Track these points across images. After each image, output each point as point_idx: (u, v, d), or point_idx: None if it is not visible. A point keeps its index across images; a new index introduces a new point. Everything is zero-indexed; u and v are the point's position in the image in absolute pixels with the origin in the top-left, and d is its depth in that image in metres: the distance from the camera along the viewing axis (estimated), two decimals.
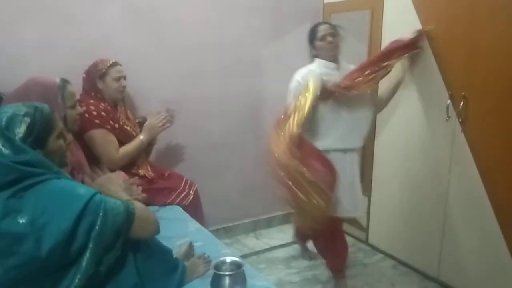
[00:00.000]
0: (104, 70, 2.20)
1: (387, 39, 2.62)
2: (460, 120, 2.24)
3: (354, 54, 2.84)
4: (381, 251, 2.88)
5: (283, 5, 3.04)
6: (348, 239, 3.06)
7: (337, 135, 2.27)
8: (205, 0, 2.75)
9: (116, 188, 1.38)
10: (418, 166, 2.53)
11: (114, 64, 2.24)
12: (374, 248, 2.94)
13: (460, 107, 2.22)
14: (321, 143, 2.24)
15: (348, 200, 2.28)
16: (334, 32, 2.30)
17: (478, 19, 2.12)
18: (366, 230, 2.99)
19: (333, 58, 2.30)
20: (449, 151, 2.33)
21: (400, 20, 2.54)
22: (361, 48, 2.81)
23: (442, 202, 2.40)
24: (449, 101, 2.28)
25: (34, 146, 1.16)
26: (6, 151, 1.10)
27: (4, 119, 1.14)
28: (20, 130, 1.14)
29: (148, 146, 2.41)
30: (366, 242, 3.00)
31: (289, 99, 2.24)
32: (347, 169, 2.29)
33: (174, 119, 2.45)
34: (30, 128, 1.16)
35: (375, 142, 2.81)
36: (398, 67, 2.40)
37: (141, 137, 2.28)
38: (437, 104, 2.35)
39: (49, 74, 1.80)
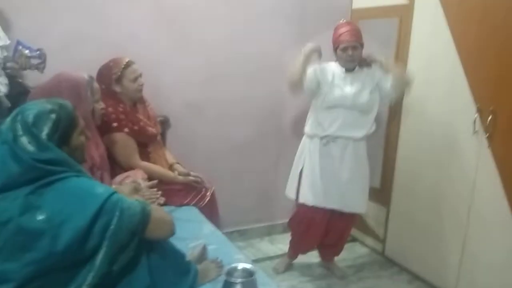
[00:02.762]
0: (119, 73, 2.14)
1: (415, 48, 2.58)
2: (487, 135, 2.17)
3: None
4: (397, 264, 2.82)
5: (309, 10, 3.01)
6: (364, 250, 3.05)
7: (335, 122, 2.36)
8: (232, 3, 2.75)
9: (126, 189, 1.40)
10: (441, 179, 2.46)
11: (129, 64, 2.17)
12: (390, 260, 2.88)
13: (488, 122, 2.15)
14: (324, 128, 2.38)
15: (333, 192, 2.39)
16: (357, 45, 2.32)
17: (510, 32, 2.05)
18: (382, 241, 2.94)
19: (351, 67, 2.38)
20: (474, 166, 2.26)
21: (429, 29, 2.49)
22: (388, 56, 2.75)
23: (464, 217, 2.33)
24: (476, 114, 2.21)
25: (59, 142, 1.18)
26: (31, 148, 1.12)
27: (31, 116, 1.15)
28: (47, 127, 1.16)
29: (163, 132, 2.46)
30: (382, 254, 2.95)
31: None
32: (337, 160, 2.39)
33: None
34: (55, 125, 1.18)
35: (397, 152, 2.75)
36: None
37: (180, 177, 2.31)
38: (464, 117, 2.28)
39: (75, 70, 1.85)
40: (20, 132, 1.13)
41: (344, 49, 2.31)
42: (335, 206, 2.42)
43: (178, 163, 2.44)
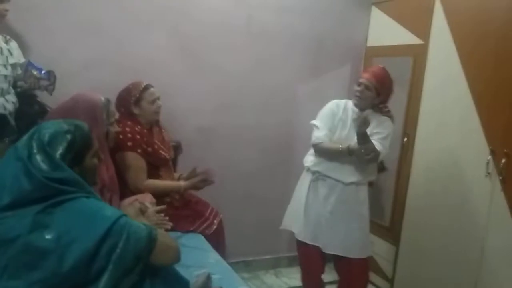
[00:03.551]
0: (138, 95, 2.20)
1: (428, 88, 2.60)
2: (500, 177, 2.14)
3: (394, 100, 2.82)
4: None
5: (325, 45, 3.07)
6: None
7: (329, 163, 2.33)
8: (249, 33, 2.82)
9: (132, 212, 1.40)
10: (453, 220, 2.42)
11: (147, 87, 2.24)
12: None
13: (501, 164, 2.13)
14: (313, 164, 2.38)
15: (313, 228, 2.36)
16: (370, 86, 2.25)
17: None
18: (391, 280, 2.86)
19: (358, 105, 2.32)
20: (487, 209, 2.22)
21: (443, 70, 2.51)
22: (401, 95, 2.77)
23: (476, 260, 2.27)
24: (490, 157, 2.19)
25: (72, 163, 1.20)
26: (44, 167, 1.14)
27: (47, 136, 1.18)
28: (61, 147, 1.18)
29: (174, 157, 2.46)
30: None
31: (316, 120, 2.40)
32: (322, 198, 2.34)
33: (213, 179, 2.42)
34: (70, 146, 1.20)
35: (408, 190, 2.72)
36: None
37: (182, 183, 2.29)
38: (477, 159, 2.27)
39: (93, 92, 1.91)
40: (35, 150, 1.15)
41: (358, 84, 2.30)
42: (318, 244, 2.37)
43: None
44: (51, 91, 2.12)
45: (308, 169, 2.42)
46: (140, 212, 1.46)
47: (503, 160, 2.13)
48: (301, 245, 2.45)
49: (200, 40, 2.70)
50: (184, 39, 2.65)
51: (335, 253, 2.36)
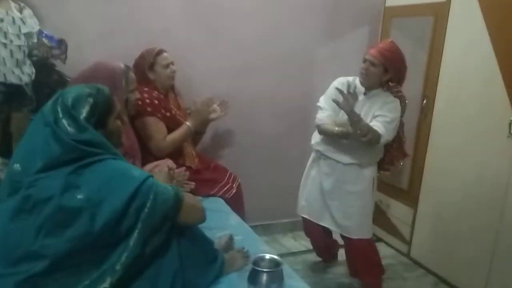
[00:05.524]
0: (152, 60, 2.23)
1: (449, 48, 2.53)
2: None
3: (413, 62, 2.76)
4: (423, 267, 2.78)
5: (342, 6, 2.99)
6: (389, 251, 3.01)
7: (330, 146, 2.30)
8: None
9: (159, 177, 1.43)
10: (473, 181, 2.41)
11: (160, 52, 2.26)
12: (415, 262, 2.83)
13: None
14: (316, 143, 2.38)
15: (315, 206, 2.39)
16: (377, 63, 2.13)
17: None
18: (408, 243, 2.89)
19: (363, 83, 2.21)
20: (509, 169, 2.20)
21: (466, 29, 2.43)
22: (421, 56, 2.71)
23: (496, 221, 2.27)
24: None
25: (96, 126, 1.22)
26: (71, 130, 1.16)
27: (70, 99, 1.20)
28: (84, 110, 1.21)
29: (197, 135, 2.46)
30: (407, 255, 2.90)
31: (321, 100, 2.34)
32: (324, 176, 2.35)
33: (226, 111, 2.46)
34: (93, 109, 1.22)
35: (427, 152, 2.70)
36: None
37: (188, 123, 2.29)
38: (499, 119, 2.22)
39: (112, 59, 1.91)
40: (61, 115, 1.17)
41: (364, 61, 2.18)
42: (321, 222, 2.40)
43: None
44: (64, 60, 2.13)
45: (312, 148, 2.43)
46: (169, 179, 1.49)
47: None
48: (303, 219, 2.52)
49: (215, 6, 2.65)
50: (198, 5, 2.61)
51: (329, 227, 2.39)
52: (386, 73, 2.17)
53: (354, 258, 2.43)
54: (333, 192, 2.33)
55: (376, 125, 2.11)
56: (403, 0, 2.89)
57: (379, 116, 2.14)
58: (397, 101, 2.21)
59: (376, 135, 2.09)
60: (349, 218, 2.30)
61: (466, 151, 2.44)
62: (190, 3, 2.59)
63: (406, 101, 2.28)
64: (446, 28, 2.54)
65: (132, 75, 1.91)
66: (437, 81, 2.61)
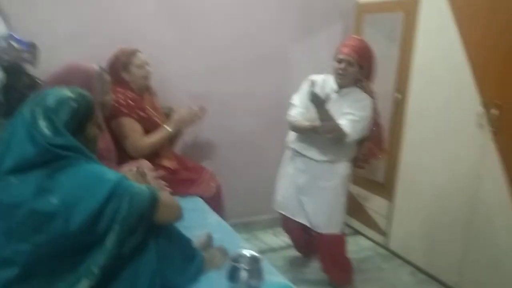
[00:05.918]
0: (126, 60, 2.21)
1: (420, 43, 2.59)
2: (492, 129, 2.18)
3: (385, 57, 2.81)
4: (400, 257, 2.84)
5: (315, 4, 3.02)
6: (367, 243, 3.07)
7: (304, 143, 2.32)
8: None
9: (134, 178, 1.42)
10: (445, 173, 2.48)
11: (135, 52, 2.24)
12: (393, 253, 2.90)
13: (493, 116, 2.16)
14: (291, 141, 2.40)
15: (290, 202, 2.42)
16: (353, 62, 2.14)
17: None
18: (385, 234, 2.96)
19: (340, 83, 2.23)
20: (479, 160, 2.27)
21: (435, 24, 2.49)
22: (393, 51, 2.77)
23: (468, 211, 2.34)
24: (481, 108, 2.22)
25: (74, 131, 1.20)
26: (47, 133, 1.14)
27: (52, 102, 1.18)
28: (65, 114, 1.19)
29: (174, 137, 2.44)
30: (385, 247, 2.97)
31: (294, 97, 2.37)
32: (299, 172, 2.36)
33: (203, 115, 2.46)
34: (74, 113, 1.21)
35: (402, 146, 2.76)
36: None
37: (168, 127, 2.29)
38: (469, 111, 2.29)
39: (85, 61, 1.88)
40: (39, 116, 1.15)
41: (339, 61, 2.17)
42: (296, 218, 2.42)
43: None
44: (34, 64, 2.08)
45: (288, 146, 2.45)
46: (139, 176, 1.48)
47: (495, 112, 2.15)
48: (281, 215, 2.54)
49: (188, 6, 2.64)
50: (171, 5, 2.59)
51: (303, 222, 2.40)
52: (361, 70, 2.19)
53: (322, 253, 2.47)
54: (306, 188, 2.35)
55: (344, 123, 2.12)
56: None
57: (348, 114, 2.15)
58: (368, 99, 2.22)
59: (341, 134, 2.11)
60: (319, 213, 2.33)
61: (438, 143, 2.51)
62: (163, 4, 2.56)
63: (375, 99, 2.28)
64: (416, 23, 2.60)
65: (106, 76, 1.89)
66: (409, 76, 2.67)
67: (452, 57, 2.37)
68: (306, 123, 2.22)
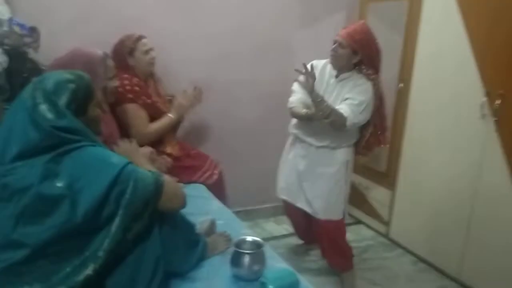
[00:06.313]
0: (132, 46, 2.22)
1: (424, 32, 2.57)
2: (495, 118, 2.17)
3: (389, 46, 2.79)
4: (401, 246, 2.86)
5: None
6: (369, 232, 3.08)
7: (304, 129, 2.32)
8: None
9: (140, 158, 1.42)
10: (447, 163, 2.48)
11: (140, 37, 2.25)
12: (394, 242, 2.92)
13: (496, 106, 2.16)
14: (292, 126, 2.40)
15: (292, 187, 2.42)
16: (345, 45, 2.11)
17: None
18: (387, 224, 2.97)
19: (333, 65, 2.22)
20: (481, 150, 2.27)
21: (439, 12, 2.47)
22: (397, 40, 2.75)
23: (470, 201, 2.35)
24: (485, 98, 2.21)
25: (76, 112, 1.21)
26: (49, 116, 1.14)
27: (50, 85, 1.18)
28: (65, 96, 1.19)
29: (176, 124, 2.45)
30: (386, 236, 2.98)
31: (294, 84, 2.34)
32: (299, 158, 2.37)
33: (202, 98, 2.47)
34: (74, 95, 1.21)
35: (404, 135, 2.76)
36: None
37: (171, 114, 2.30)
38: (472, 101, 2.28)
39: (90, 46, 1.88)
40: (40, 100, 1.15)
41: (334, 42, 2.16)
42: (298, 204, 2.42)
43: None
44: (36, 48, 2.08)
45: (289, 131, 2.45)
46: (151, 160, 1.49)
47: (498, 101, 2.15)
48: (283, 200, 2.55)
49: None
50: None
51: (304, 208, 2.40)
52: (356, 55, 2.15)
53: (321, 239, 2.48)
54: (306, 173, 2.35)
55: (342, 107, 2.10)
56: None
57: (348, 99, 2.13)
58: (368, 84, 2.17)
59: (340, 118, 2.07)
60: (318, 199, 2.33)
61: (441, 132, 2.51)
62: None
63: (380, 85, 2.24)
64: (420, 12, 2.58)
65: (110, 62, 1.89)
66: (413, 65, 2.66)
67: (456, 47, 2.36)
68: (302, 111, 2.22)
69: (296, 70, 2.07)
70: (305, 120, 2.25)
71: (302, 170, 2.37)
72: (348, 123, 2.10)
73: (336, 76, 2.23)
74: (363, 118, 2.17)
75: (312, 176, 2.34)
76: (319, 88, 2.18)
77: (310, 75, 2.04)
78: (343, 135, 2.25)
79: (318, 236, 2.50)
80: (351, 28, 2.16)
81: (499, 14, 2.14)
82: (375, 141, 2.38)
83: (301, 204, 2.42)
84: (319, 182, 2.32)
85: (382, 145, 2.46)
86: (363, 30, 2.15)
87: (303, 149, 2.36)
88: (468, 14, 2.30)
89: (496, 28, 2.16)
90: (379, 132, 2.37)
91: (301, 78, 2.10)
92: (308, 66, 2.07)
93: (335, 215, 2.35)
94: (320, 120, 2.11)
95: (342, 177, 2.32)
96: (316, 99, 2.05)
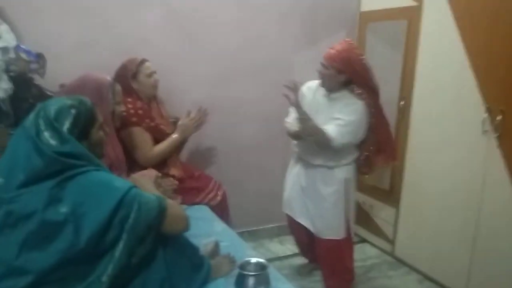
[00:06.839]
0: (135, 69, 2.24)
1: (423, 50, 2.60)
2: (496, 134, 2.18)
3: (389, 64, 2.83)
4: (407, 264, 2.83)
5: (318, 12, 3.05)
6: (374, 251, 3.06)
7: (302, 148, 2.35)
8: (240, 4, 2.80)
9: (147, 183, 1.43)
10: (450, 179, 2.47)
11: (143, 61, 2.28)
12: (399, 260, 2.89)
13: (497, 122, 2.16)
14: (294, 145, 2.42)
15: (295, 204, 2.44)
16: (326, 64, 2.16)
17: None
18: (392, 242, 2.95)
19: (323, 86, 2.25)
20: (484, 165, 2.27)
21: (438, 30, 2.50)
22: (396, 58, 2.78)
23: (474, 217, 2.33)
24: (486, 114, 2.22)
25: (79, 137, 1.23)
26: (53, 142, 1.16)
27: (52, 111, 1.21)
28: (68, 122, 1.21)
29: (180, 145, 2.46)
30: (391, 254, 2.96)
31: None
32: (302, 176, 2.39)
33: (206, 119, 2.49)
34: (76, 120, 1.23)
35: (407, 153, 2.76)
36: None
37: (175, 136, 2.32)
38: (473, 117, 2.29)
39: (99, 72, 1.94)
40: (43, 127, 1.18)
41: (321, 64, 2.20)
42: (301, 221, 2.42)
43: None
44: (42, 74, 2.13)
45: (292, 149, 2.49)
46: (157, 185, 1.50)
47: (499, 117, 2.16)
48: (287, 216, 2.55)
49: (194, 15, 2.68)
50: (177, 15, 2.63)
51: (305, 225, 2.40)
52: (342, 74, 2.15)
53: (321, 259, 2.47)
54: (308, 191, 2.37)
55: (329, 127, 2.12)
56: (378, 5, 2.97)
57: (336, 119, 2.15)
58: (359, 103, 2.18)
59: (324, 137, 2.09)
60: (318, 218, 2.33)
61: (443, 149, 2.51)
62: (169, 13, 2.61)
63: (376, 103, 2.25)
64: (419, 31, 2.62)
65: (118, 87, 1.94)
66: (413, 82, 2.68)
67: (455, 64, 2.38)
68: (292, 128, 2.26)
69: (285, 86, 2.09)
70: (296, 139, 2.30)
71: (304, 186, 2.39)
72: (335, 143, 2.11)
73: (328, 96, 2.25)
74: (352, 137, 2.18)
75: (313, 194, 2.35)
76: (312, 107, 2.21)
77: (294, 91, 2.07)
78: (340, 154, 2.25)
79: (318, 255, 2.49)
80: (334, 48, 2.18)
81: (496, 30, 2.17)
82: (376, 159, 2.38)
83: (302, 221, 2.42)
84: (320, 201, 2.32)
85: (390, 162, 2.46)
86: (344, 49, 2.15)
87: (303, 167, 2.38)
88: (466, 31, 2.33)
89: (493, 45, 2.19)
90: (381, 149, 2.36)
91: (289, 95, 2.11)
92: (293, 83, 2.10)
93: (336, 235, 2.34)
94: (305, 137, 2.15)
95: (342, 196, 2.32)
96: (301, 116, 2.09)
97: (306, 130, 2.11)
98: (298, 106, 2.07)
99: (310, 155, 2.31)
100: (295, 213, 2.45)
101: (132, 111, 2.18)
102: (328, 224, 2.32)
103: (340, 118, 2.14)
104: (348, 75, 2.17)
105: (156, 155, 2.24)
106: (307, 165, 2.35)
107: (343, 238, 2.36)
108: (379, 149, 2.37)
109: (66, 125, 1.20)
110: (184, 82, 2.70)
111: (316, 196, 2.33)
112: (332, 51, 2.16)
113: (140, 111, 2.21)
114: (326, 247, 2.36)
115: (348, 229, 2.38)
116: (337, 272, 2.42)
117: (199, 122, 2.42)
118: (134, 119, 2.18)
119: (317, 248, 2.46)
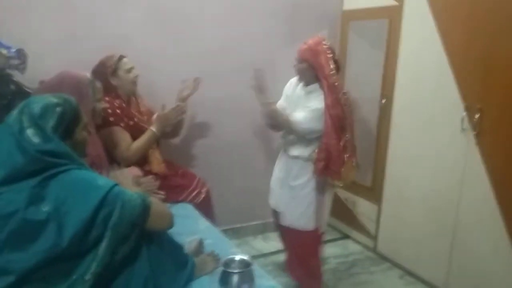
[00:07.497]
0: (114, 66, 2.22)
1: (404, 49, 2.64)
2: (475, 132, 2.23)
3: (371, 63, 2.87)
4: (388, 260, 2.88)
5: (301, 11, 3.07)
6: (356, 247, 3.10)
7: (284, 139, 2.44)
8: (224, 4, 2.80)
9: (128, 181, 1.42)
10: (430, 176, 2.53)
11: (121, 57, 2.26)
12: (381, 256, 2.94)
13: (476, 120, 2.22)
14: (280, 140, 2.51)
15: (277, 197, 2.49)
16: (300, 60, 2.26)
17: (497, 31, 2.12)
18: (374, 238, 2.99)
19: (300, 80, 2.35)
20: (462, 163, 2.32)
21: (418, 30, 2.55)
22: (378, 57, 2.82)
23: (453, 213, 2.39)
24: (464, 112, 2.27)
25: (63, 136, 1.21)
26: (36, 140, 1.14)
27: (37, 109, 1.18)
28: (52, 120, 1.19)
29: (170, 137, 2.48)
30: (374, 250, 3.00)
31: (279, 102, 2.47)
32: (282, 167, 2.46)
33: (188, 116, 2.47)
34: (60, 119, 1.21)
35: (388, 150, 2.81)
36: None
37: (153, 128, 2.27)
38: (452, 116, 2.34)
39: (78, 69, 1.89)
40: (26, 124, 1.16)
41: (295, 60, 2.30)
42: (277, 208, 2.48)
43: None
44: (22, 70, 2.08)
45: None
46: (136, 183, 1.49)
47: (477, 115, 2.21)
48: (271, 209, 2.59)
49: (176, 13, 2.66)
50: (159, 12, 2.61)
51: (281, 222, 2.45)
52: (313, 68, 2.23)
53: (287, 249, 2.52)
54: (285, 181, 2.42)
55: (296, 114, 2.24)
56: (360, 4, 3.00)
57: (307, 107, 2.24)
58: (321, 93, 2.23)
59: (287, 121, 2.23)
60: (288, 206, 2.38)
61: (423, 147, 2.56)
62: (151, 10, 2.58)
63: (344, 92, 2.26)
64: (400, 30, 2.66)
65: (98, 84, 1.90)
66: (394, 81, 2.72)
67: (435, 63, 2.43)
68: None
69: (254, 70, 2.22)
70: (272, 128, 2.45)
71: (282, 177, 2.44)
72: (298, 127, 2.23)
73: (304, 89, 2.32)
74: (315, 124, 2.22)
75: (287, 185, 2.40)
76: (292, 101, 2.36)
77: (256, 78, 2.21)
78: (314, 145, 2.28)
79: (285, 245, 2.54)
80: (304, 43, 2.27)
81: (474, 29, 2.22)
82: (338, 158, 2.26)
83: (279, 210, 2.46)
84: (291, 190, 2.38)
85: (351, 161, 2.32)
86: (314, 41, 2.25)
87: (283, 159, 2.46)
88: (445, 30, 2.38)
89: (471, 44, 2.24)
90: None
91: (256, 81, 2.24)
92: (290, 85, 2.31)
93: (302, 226, 2.35)
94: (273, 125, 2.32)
95: (314, 188, 2.34)
96: (262, 101, 2.23)
97: (268, 114, 2.26)
98: (258, 92, 2.20)
99: (289, 146, 2.38)
100: (276, 204, 2.50)
101: (109, 110, 2.14)
102: (295, 213, 2.36)
103: (308, 106, 2.25)
104: (319, 68, 2.22)
105: (134, 153, 2.20)
106: (286, 156, 2.42)
107: (310, 231, 2.36)
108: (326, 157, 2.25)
109: (50, 124, 1.18)
110: (167, 79, 2.67)
111: (289, 186, 2.38)
112: (304, 46, 2.26)
113: (117, 110, 2.18)
114: (291, 237, 2.42)
115: (317, 223, 2.37)
116: (305, 264, 2.43)
117: (178, 112, 2.38)
118: (111, 118, 2.14)
119: (284, 237, 2.53)
